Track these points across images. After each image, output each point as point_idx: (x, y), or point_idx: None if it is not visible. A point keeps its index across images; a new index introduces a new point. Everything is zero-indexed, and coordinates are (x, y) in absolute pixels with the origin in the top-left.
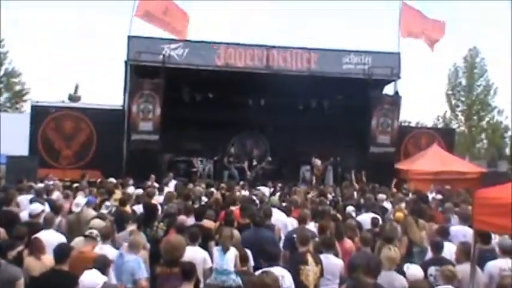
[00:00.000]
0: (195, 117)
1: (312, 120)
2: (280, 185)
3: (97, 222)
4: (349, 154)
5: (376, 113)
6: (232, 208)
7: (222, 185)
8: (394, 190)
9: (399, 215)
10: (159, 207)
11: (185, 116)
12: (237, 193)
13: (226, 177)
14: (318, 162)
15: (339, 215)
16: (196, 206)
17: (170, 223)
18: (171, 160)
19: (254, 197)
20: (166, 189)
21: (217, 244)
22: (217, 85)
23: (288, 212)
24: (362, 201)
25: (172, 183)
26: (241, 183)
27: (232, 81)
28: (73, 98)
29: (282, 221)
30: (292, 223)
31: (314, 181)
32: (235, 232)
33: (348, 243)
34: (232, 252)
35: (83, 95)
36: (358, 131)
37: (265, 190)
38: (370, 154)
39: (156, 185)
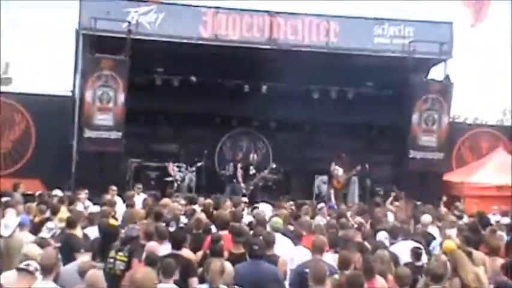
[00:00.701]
0: (171, 108)
1: (331, 115)
2: (291, 202)
3: (35, 250)
4: (382, 161)
5: (419, 106)
6: (222, 233)
7: (208, 200)
8: (443, 210)
9: (449, 245)
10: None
11: (158, 107)
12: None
13: (228, 193)
14: (339, 171)
15: (367, 244)
16: (172, 228)
17: (132, 251)
18: (138, 166)
19: (251, 218)
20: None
21: (201, 281)
22: (202, 65)
23: (297, 238)
24: (398, 225)
25: (140, 198)
26: (244, 199)
27: (222, 59)
28: (0, 80)
29: (289, 251)
30: (302, 254)
31: (333, 197)
32: (227, 265)
33: (379, 282)
34: None
35: (14, 77)
36: (393, 130)
37: (267, 208)
38: (410, 161)
39: (119, 200)
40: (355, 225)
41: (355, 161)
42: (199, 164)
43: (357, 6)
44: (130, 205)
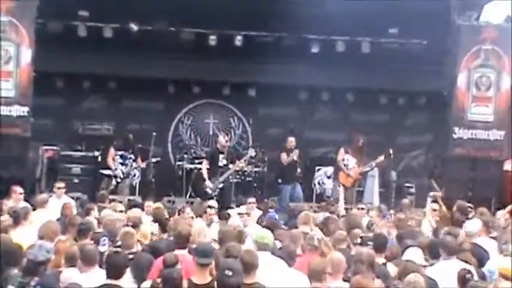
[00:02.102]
0: (102, 71)
1: (338, 78)
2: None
3: None
4: (413, 144)
5: (467, 62)
6: (179, 253)
7: (157, 204)
8: (505, 216)
9: (506, 266)
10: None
11: (82, 69)
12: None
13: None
14: (349, 161)
15: (391, 266)
16: (103, 248)
17: (44, 284)
18: (54, 156)
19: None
20: (42, 215)
21: None
22: (147, 6)
23: (288, 258)
24: (438, 238)
25: (57, 203)
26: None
27: None
28: None
29: (281, 278)
30: (298, 281)
31: (341, 197)
32: None
33: None
34: None
35: None
36: (430, 99)
37: (247, 215)
38: (454, 144)
39: (24, 205)
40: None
41: (375, 147)
42: (154, 160)
43: None
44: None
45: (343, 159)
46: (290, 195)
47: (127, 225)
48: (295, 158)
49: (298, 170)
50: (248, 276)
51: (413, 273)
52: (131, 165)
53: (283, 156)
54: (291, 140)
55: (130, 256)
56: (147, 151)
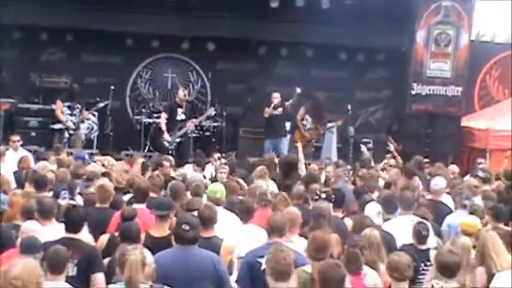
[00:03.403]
0: (59, 21)
1: (297, 32)
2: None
3: None
4: (371, 100)
5: (427, 18)
6: (137, 206)
7: (109, 159)
8: (453, 170)
9: (470, 222)
10: None
11: (39, 19)
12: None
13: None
14: (309, 120)
15: (349, 221)
16: (63, 201)
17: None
18: (11, 109)
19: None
20: None
21: (109, 278)
22: None
23: (246, 213)
24: (395, 192)
25: (14, 156)
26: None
27: None
28: None
29: (236, 232)
30: (254, 236)
31: (301, 151)
32: (148, 254)
33: (369, 275)
34: None
35: None
36: (389, 55)
37: (204, 169)
38: (412, 99)
39: None
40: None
41: (334, 102)
42: (101, 105)
43: None
44: None
45: (303, 119)
46: (274, 149)
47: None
48: (277, 112)
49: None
50: (206, 231)
51: (369, 228)
52: (79, 116)
53: (266, 109)
54: (275, 96)
55: None
56: (96, 103)
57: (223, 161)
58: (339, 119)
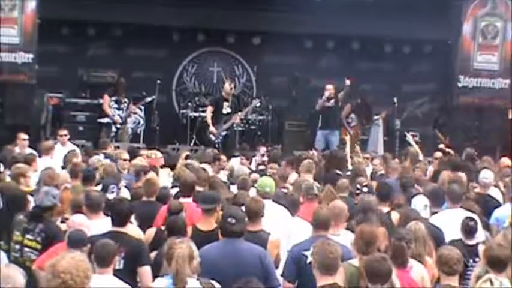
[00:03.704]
0: (106, 17)
1: (342, 25)
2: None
3: None
4: (417, 93)
5: (473, 10)
6: (184, 201)
7: (155, 152)
8: (504, 163)
9: None
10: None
11: (87, 15)
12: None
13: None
14: (353, 119)
15: (395, 215)
16: (111, 195)
17: (48, 231)
18: (59, 104)
19: (224, 177)
20: (47, 162)
21: (155, 271)
22: None
23: (292, 207)
24: (442, 186)
25: (62, 150)
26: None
27: None
28: None
29: (285, 226)
30: (301, 229)
31: (346, 148)
32: (194, 248)
33: (415, 269)
34: None
35: None
36: (435, 47)
37: (251, 163)
38: (459, 92)
39: (31, 152)
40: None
41: (380, 95)
42: (149, 99)
43: None
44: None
45: (347, 117)
46: (325, 141)
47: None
48: (329, 104)
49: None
50: (253, 224)
51: (415, 221)
52: (126, 109)
53: (319, 101)
54: (328, 88)
55: None
56: (143, 97)
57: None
58: (383, 111)
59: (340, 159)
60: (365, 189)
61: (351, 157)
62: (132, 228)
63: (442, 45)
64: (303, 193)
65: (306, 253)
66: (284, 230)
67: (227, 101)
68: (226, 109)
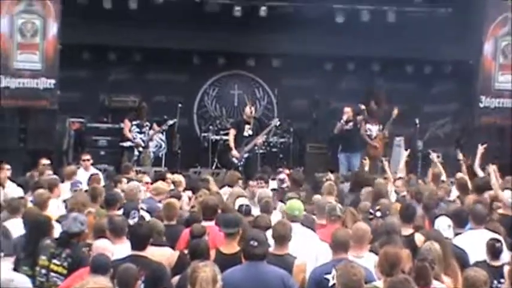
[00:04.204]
0: (128, 42)
1: (363, 47)
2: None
3: None
4: (439, 113)
5: (494, 30)
6: (206, 224)
7: (177, 177)
8: None
9: None
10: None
11: (109, 41)
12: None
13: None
14: (371, 130)
15: (419, 236)
16: (132, 220)
17: (74, 258)
18: (81, 128)
19: (246, 201)
20: (70, 187)
21: None
22: None
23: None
24: (466, 207)
25: (85, 175)
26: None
27: None
28: None
29: (312, 249)
30: (328, 252)
31: (367, 166)
32: (217, 271)
33: None
34: None
35: None
36: (456, 68)
37: (272, 185)
38: (481, 112)
39: (53, 177)
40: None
41: (401, 116)
42: (170, 123)
43: None
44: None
45: (366, 130)
46: (347, 165)
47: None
48: (347, 127)
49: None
50: (280, 248)
51: (429, 241)
52: (148, 133)
53: (337, 124)
54: (346, 111)
55: None
56: (164, 121)
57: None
58: (395, 108)
59: (362, 181)
60: (378, 214)
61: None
62: (157, 251)
63: (463, 65)
64: (326, 215)
65: (327, 276)
66: (312, 253)
67: (249, 123)
68: (247, 131)
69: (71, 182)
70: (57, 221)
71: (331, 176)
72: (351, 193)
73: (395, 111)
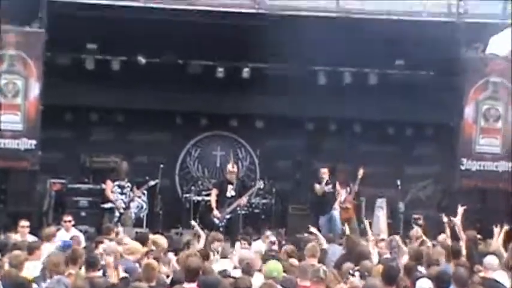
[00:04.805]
0: (110, 103)
1: (345, 109)
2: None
3: None
4: (420, 175)
5: (475, 94)
6: (187, 286)
7: (158, 238)
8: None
9: None
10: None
11: (90, 101)
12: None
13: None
14: (341, 193)
15: None
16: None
17: None
18: (62, 189)
19: (230, 262)
20: (48, 249)
21: None
22: (154, 39)
23: None
24: (449, 269)
25: (66, 236)
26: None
27: (183, 30)
28: None
29: None
30: None
31: (347, 229)
32: None
33: None
34: None
35: None
36: (437, 130)
37: (256, 246)
38: (462, 175)
39: (31, 239)
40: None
41: (383, 177)
42: (152, 183)
43: None
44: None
45: (335, 192)
46: (327, 226)
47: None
48: (326, 189)
49: (339, 199)
50: None
51: None
52: (130, 194)
53: (317, 186)
54: (323, 171)
55: None
56: (145, 181)
57: (272, 238)
58: (360, 169)
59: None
60: (357, 274)
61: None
62: None
63: (444, 128)
64: (309, 276)
65: None
66: None
67: (231, 184)
68: (230, 192)
69: (62, 243)
70: (33, 281)
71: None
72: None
73: (361, 172)
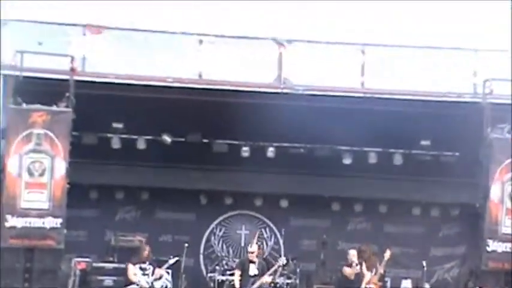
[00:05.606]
0: (135, 182)
1: (370, 189)
2: None
3: None
4: (446, 257)
5: (501, 174)
6: None
7: None
8: None
9: None
10: None
11: (116, 180)
12: None
13: None
14: (366, 274)
15: None
16: None
17: None
18: (87, 269)
19: None
20: None
21: None
22: (180, 118)
23: None
24: None
25: None
26: None
27: (209, 109)
28: None
29: None
30: None
31: None
32: None
33: None
34: None
35: None
36: (463, 211)
37: None
38: (488, 256)
39: None
40: None
41: (409, 258)
42: (172, 261)
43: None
44: None
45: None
46: None
47: None
48: (358, 269)
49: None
50: None
51: None
52: (152, 274)
53: (347, 269)
54: (353, 254)
55: None
56: (165, 261)
57: None
58: (387, 250)
59: None
60: None
61: None
62: None
63: (470, 208)
64: None
65: None
66: None
67: (253, 262)
68: (253, 271)
69: None
70: None
71: None
72: None
73: (388, 253)
